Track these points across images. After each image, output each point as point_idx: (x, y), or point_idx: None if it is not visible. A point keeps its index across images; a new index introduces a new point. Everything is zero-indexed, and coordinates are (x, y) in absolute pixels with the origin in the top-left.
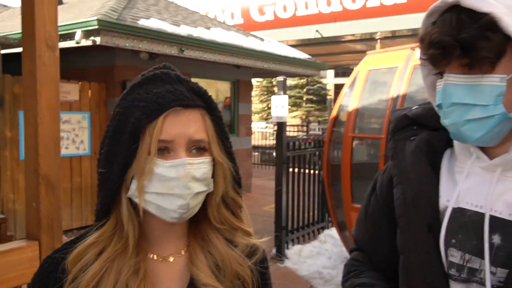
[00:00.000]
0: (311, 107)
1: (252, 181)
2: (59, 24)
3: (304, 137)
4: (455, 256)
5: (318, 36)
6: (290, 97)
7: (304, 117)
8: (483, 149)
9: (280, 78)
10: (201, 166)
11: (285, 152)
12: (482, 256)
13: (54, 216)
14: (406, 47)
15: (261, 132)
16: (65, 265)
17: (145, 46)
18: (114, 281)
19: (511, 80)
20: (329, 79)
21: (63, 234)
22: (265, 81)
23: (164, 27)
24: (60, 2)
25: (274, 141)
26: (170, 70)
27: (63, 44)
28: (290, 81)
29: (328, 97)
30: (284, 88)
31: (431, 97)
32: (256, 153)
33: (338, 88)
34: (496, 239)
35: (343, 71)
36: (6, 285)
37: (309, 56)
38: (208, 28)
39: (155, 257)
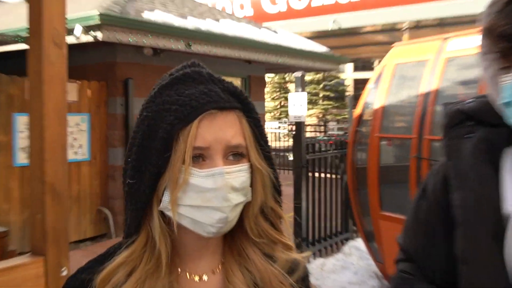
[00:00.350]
0: (329, 104)
1: None
2: None
3: (324, 138)
4: None
5: (336, 27)
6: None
7: (321, 115)
8: None
9: (298, 74)
10: (239, 174)
11: (304, 155)
12: None
13: (60, 228)
14: (437, 37)
15: (274, 133)
16: (93, 286)
17: (150, 41)
18: None
19: None
20: (348, 73)
21: None
22: (277, 77)
23: (170, 20)
24: None
25: (288, 143)
26: (200, 68)
27: None
28: (306, 77)
29: (347, 93)
30: (302, 84)
31: (493, 91)
32: None
33: (358, 83)
34: None
35: (363, 64)
36: None
37: (328, 49)
38: (217, 20)
39: (188, 275)
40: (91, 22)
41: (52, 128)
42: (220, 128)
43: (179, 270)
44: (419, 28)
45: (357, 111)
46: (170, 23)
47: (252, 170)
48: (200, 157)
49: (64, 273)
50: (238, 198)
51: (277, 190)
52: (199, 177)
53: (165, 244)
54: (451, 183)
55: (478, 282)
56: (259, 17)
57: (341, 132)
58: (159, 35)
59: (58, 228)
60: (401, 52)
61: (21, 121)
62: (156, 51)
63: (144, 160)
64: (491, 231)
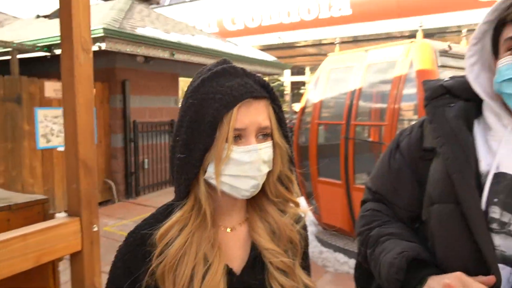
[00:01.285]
0: None
1: None
2: None
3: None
4: (496, 213)
5: (280, 41)
6: None
7: None
8: None
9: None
10: (267, 150)
11: None
12: None
13: (91, 194)
14: (361, 49)
15: None
16: (153, 240)
17: (143, 51)
18: (195, 252)
19: None
20: (286, 77)
21: None
22: None
23: (158, 34)
24: None
25: None
26: (234, 64)
27: None
28: None
29: (286, 92)
30: None
31: (472, 73)
32: None
33: (294, 84)
34: None
35: (298, 70)
36: (56, 255)
37: (275, 58)
38: (193, 35)
39: (223, 228)
40: (97, 35)
41: (82, 116)
42: (254, 114)
43: (218, 225)
44: (342, 43)
45: (301, 104)
46: (158, 37)
47: (274, 146)
48: (238, 137)
49: (95, 229)
50: (266, 169)
51: (292, 162)
52: (238, 153)
53: (209, 205)
54: (438, 140)
55: (460, 220)
56: (223, 34)
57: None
58: (149, 46)
59: (89, 194)
60: (334, 60)
61: (41, 114)
62: (147, 58)
63: (193, 138)
64: (473, 177)
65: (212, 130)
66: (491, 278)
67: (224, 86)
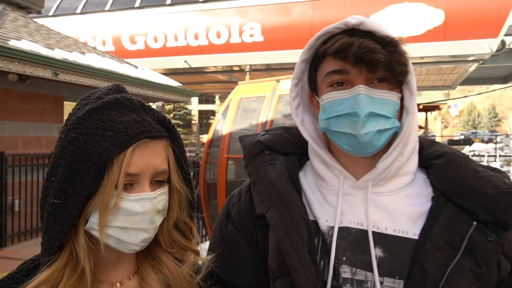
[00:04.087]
0: (179, 131)
1: None
2: None
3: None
4: (347, 272)
5: (187, 66)
6: None
7: None
8: (349, 169)
9: (159, 103)
10: (162, 197)
11: None
12: (368, 269)
13: None
14: (272, 79)
15: None
16: None
17: (16, 68)
18: None
19: (400, 99)
20: (194, 105)
21: None
22: None
23: (38, 49)
24: None
25: None
26: (127, 93)
27: None
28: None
29: (193, 122)
30: (163, 112)
31: (298, 117)
32: None
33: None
34: (378, 251)
35: (207, 98)
36: None
37: (180, 84)
38: (83, 53)
39: (108, 285)
40: None
41: None
42: (151, 156)
43: (98, 280)
44: (253, 71)
45: (209, 136)
46: (37, 52)
47: (171, 191)
48: (129, 184)
49: None
50: (160, 219)
51: (192, 206)
52: (129, 201)
53: (89, 261)
54: (263, 204)
55: None
56: (120, 53)
57: (192, 154)
58: (26, 63)
59: None
60: (244, 89)
61: None
62: (22, 77)
63: (73, 182)
64: (306, 242)
65: (98, 173)
66: None
67: (116, 121)
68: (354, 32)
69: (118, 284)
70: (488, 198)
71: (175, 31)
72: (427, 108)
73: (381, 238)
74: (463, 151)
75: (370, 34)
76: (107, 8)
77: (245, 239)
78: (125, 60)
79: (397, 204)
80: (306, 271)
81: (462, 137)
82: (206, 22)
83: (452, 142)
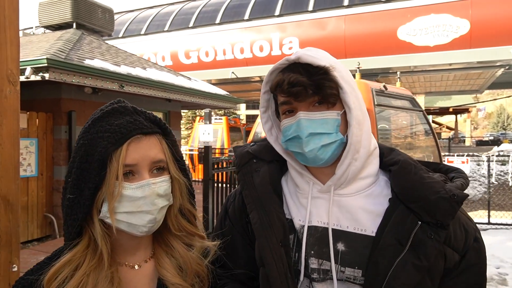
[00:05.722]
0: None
1: None
2: None
3: (226, 158)
4: (315, 263)
5: (234, 76)
6: None
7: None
8: (316, 176)
9: (207, 110)
10: (162, 184)
11: (210, 170)
12: (330, 260)
13: (12, 232)
14: None
15: (187, 154)
16: (41, 285)
17: (90, 82)
18: None
19: (343, 114)
20: (242, 111)
21: None
22: (189, 112)
23: (107, 66)
24: None
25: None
26: (125, 103)
27: None
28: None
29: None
30: (209, 118)
31: (272, 136)
32: None
33: (249, 118)
34: (340, 246)
35: (253, 104)
36: None
37: (227, 92)
38: (144, 68)
39: (127, 266)
40: (40, 65)
41: (6, 150)
42: (145, 149)
43: (119, 263)
44: None
45: (250, 138)
46: (106, 68)
47: (172, 180)
48: (130, 173)
49: (15, 269)
50: (163, 202)
51: (192, 195)
52: (130, 189)
53: (106, 244)
54: (248, 206)
55: (275, 278)
56: (177, 67)
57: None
58: (97, 78)
59: (10, 232)
60: None
61: None
62: (95, 90)
63: (83, 179)
64: (280, 240)
65: (101, 168)
66: None
67: (113, 124)
68: (295, 65)
69: (136, 266)
70: (430, 203)
71: (224, 46)
72: (457, 110)
73: (343, 235)
74: (491, 151)
75: (306, 66)
76: (166, 28)
77: (239, 232)
78: (181, 72)
79: (358, 204)
80: (277, 264)
81: (492, 138)
82: (250, 37)
83: (481, 142)
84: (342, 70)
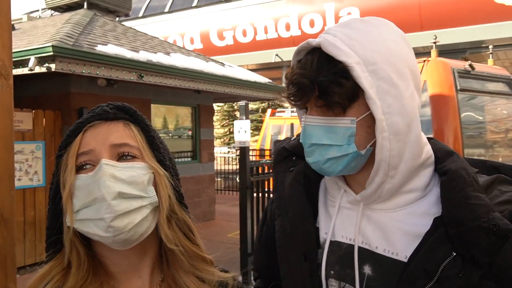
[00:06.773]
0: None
1: (216, 207)
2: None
3: (268, 161)
4: (334, 286)
5: (278, 60)
6: (252, 121)
7: None
8: (349, 182)
9: (242, 103)
10: (127, 170)
11: (248, 177)
12: (355, 285)
13: (7, 252)
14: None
15: (223, 157)
16: None
17: (103, 72)
18: None
19: (360, 122)
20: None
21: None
22: (226, 106)
23: (123, 52)
24: (12, 28)
25: (236, 166)
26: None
27: (16, 72)
28: (252, 105)
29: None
30: (246, 112)
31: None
32: (219, 179)
33: None
34: (367, 269)
35: None
36: None
37: (270, 80)
38: (168, 53)
39: None
40: (45, 54)
41: None
42: (105, 134)
43: (112, 284)
44: None
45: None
46: (122, 55)
47: (154, 175)
48: (87, 164)
49: None
50: (126, 188)
51: (181, 195)
52: (83, 179)
53: (77, 254)
54: (277, 211)
55: None
56: (208, 51)
57: None
58: (112, 67)
59: (5, 252)
60: None
61: None
62: (110, 81)
63: (56, 187)
64: (303, 254)
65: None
66: None
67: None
68: (315, 52)
69: None
70: (465, 231)
71: (265, 23)
72: None
73: (371, 256)
74: None
75: (324, 57)
76: (194, 4)
77: (274, 240)
78: (212, 57)
79: (394, 222)
80: (296, 280)
81: None
82: (298, 10)
83: None
84: (384, 64)
